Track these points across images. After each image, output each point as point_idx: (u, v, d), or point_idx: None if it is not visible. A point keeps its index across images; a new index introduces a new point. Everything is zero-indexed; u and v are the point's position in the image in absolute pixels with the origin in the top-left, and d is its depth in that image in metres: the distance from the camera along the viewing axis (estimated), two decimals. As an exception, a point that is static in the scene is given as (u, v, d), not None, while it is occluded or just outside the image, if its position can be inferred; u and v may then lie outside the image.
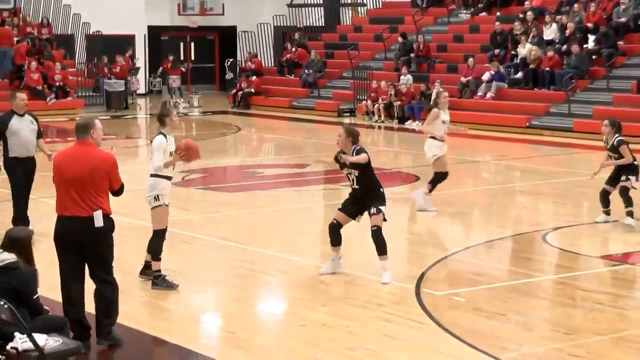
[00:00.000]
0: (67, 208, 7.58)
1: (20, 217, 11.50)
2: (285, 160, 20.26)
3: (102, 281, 7.73)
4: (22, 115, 11.42)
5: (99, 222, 7.56)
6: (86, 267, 7.72)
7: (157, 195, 9.38)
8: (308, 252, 11.14)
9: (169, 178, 9.48)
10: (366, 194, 9.71)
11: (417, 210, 13.27)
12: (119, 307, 7.85)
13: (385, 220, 9.69)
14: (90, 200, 7.55)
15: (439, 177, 13.39)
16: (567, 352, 7.72)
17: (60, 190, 7.65)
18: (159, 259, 9.44)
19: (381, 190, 9.74)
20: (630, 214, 12.05)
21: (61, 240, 7.64)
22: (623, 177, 12.11)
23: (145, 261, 9.71)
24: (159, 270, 9.44)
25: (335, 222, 9.77)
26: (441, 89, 13.55)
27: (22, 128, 11.40)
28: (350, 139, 9.64)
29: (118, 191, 7.85)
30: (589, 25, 25.24)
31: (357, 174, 9.66)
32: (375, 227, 9.62)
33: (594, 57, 24.59)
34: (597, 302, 9.15)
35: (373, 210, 9.61)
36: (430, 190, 13.35)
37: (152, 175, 9.42)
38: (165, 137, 9.40)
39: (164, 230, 9.48)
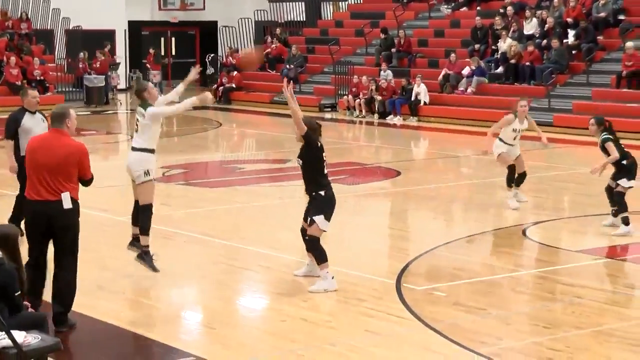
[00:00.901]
0: (37, 192, 7.78)
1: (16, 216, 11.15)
2: (266, 155, 20.25)
3: (65, 266, 7.87)
4: (33, 113, 11.09)
5: (67, 203, 7.76)
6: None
7: (148, 170, 9.40)
8: (289, 248, 11.12)
9: (153, 152, 9.49)
10: (308, 193, 9.36)
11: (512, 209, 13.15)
12: (74, 294, 8.01)
13: (324, 230, 9.24)
14: (61, 186, 7.74)
15: (510, 172, 13.36)
16: (546, 346, 7.76)
17: (32, 175, 7.86)
18: (147, 234, 9.46)
19: (321, 193, 9.21)
20: (624, 221, 11.66)
21: (31, 224, 7.85)
22: (613, 184, 11.82)
23: (133, 234, 9.72)
24: (148, 246, 9.45)
25: (303, 227, 9.71)
26: (520, 99, 13.56)
27: (34, 126, 10.83)
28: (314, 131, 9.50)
29: (89, 181, 7.94)
30: (569, 20, 25.35)
31: (301, 164, 9.38)
32: (307, 237, 9.36)
33: (573, 52, 24.69)
34: (576, 296, 9.19)
35: (309, 220, 9.32)
36: (510, 187, 13.33)
37: (140, 150, 9.40)
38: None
39: (151, 205, 9.48)
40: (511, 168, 13.38)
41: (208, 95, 10.04)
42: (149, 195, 9.46)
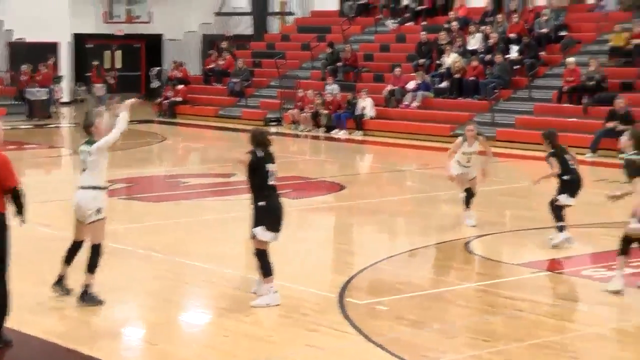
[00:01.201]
0: None
1: None
2: (211, 169, 20.19)
3: None
4: None
5: None
6: None
7: (99, 208, 9.22)
8: (233, 263, 11.11)
9: (103, 189, 9.32)
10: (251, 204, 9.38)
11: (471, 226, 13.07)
12: (7, 310, 7.87)
13: (265, 240, 9.16)
14: None
15: (468, 194, 13.27)
16: (485, 359, 7.83)
17: None
18: (94, 273, 9.24)
19: (261, 204, 9.14)
20: (560, 229, 11.89)
21: None
22: (555, 198, 11.99)
23: (61, 274, 9.49)
24: (91, 285, 9.23)
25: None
26: (469, 124, 13.70)
27: None
28: (250, 141, 9.48)
29: (15, 192, 7.81)
30: (512, 35, 25.71)
31: (247, 175, 9.36)
32: (254, 251, 9.35)
33: (516, 67, 25.02)
34: (516, 309, 9.30)
35: (250, 234, 9.31)
36: (467, 207, 13.23)
37: (90, 188, 9.18)
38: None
39: (102, 244, 9.29)
40: (468, 190, 13.37)
41: (132, 100, 9.80)
42: (100, 234, 9.27)
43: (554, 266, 11.23)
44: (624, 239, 9.71)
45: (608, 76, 22.93)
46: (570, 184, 11.93)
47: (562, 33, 25.66)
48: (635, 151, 9.70)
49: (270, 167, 9.23)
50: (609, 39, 24.32)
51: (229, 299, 9.62)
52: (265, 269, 9.25)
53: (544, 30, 25.67)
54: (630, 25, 24.01)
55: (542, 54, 25.27)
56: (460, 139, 13.43)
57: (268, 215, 9.19)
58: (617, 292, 9.65)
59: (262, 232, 9.17)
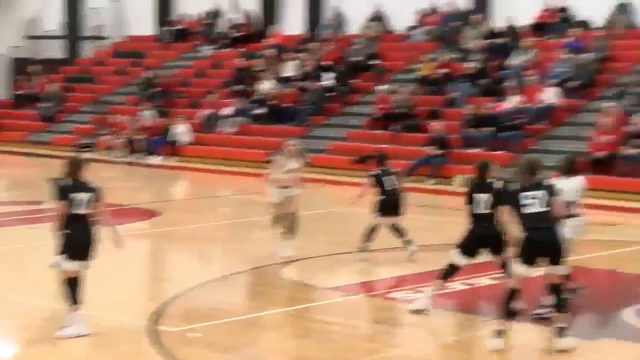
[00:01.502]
0: None
1: None
2: (19, 196, 19.51)
3: None
4: None
5: None
6: None
7: None
8: (41, 292, 10.74)
9: None
10: None
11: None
12: None
13: (67, 269, 8.98)
14: None
15: (287, 223, 12.95)
16: (297, 382, 7.92)
17: None
18: None
19: (64, 232, 8.99)
20: (360, 249, 12.58)
21: None
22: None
23: None
24: None
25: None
26: (289, 140, 13.33)
27: None
28: (66, 170, 9.27)
29: None
30: (326, 63, 26.23)
31: None
32: (60, 280, 9.14)
33: (330, 94, 25.52)
34: (328, 332, 9.44)
35: (51, 262, 9.12)
36: (274, 227, 12.99)
37: None
38: None
39: None
40: (286, 219, 13.16)
41: None
42: None
43: (363, 289, 11.49)
44: (450, 266, 9.94)
45: (417, 104, 23.76)
46: (383, 204, 12.50)
47: (374, 62, 26.41)
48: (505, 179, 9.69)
49: (76, 196, 9.03)
50: (417, 68, 25.23)
51: (35, 329, 9.31)
52: (72, 298, 9.02)
53: (357, 58, 26.35)
54: (436, 55, 24.99)
55: (356, 81, 25.91)
56: (279, 158, 13.14)
57: (71, 243, 9.00)
58: (420, 312, 9.90)
59: (63, 261, 8.95)
